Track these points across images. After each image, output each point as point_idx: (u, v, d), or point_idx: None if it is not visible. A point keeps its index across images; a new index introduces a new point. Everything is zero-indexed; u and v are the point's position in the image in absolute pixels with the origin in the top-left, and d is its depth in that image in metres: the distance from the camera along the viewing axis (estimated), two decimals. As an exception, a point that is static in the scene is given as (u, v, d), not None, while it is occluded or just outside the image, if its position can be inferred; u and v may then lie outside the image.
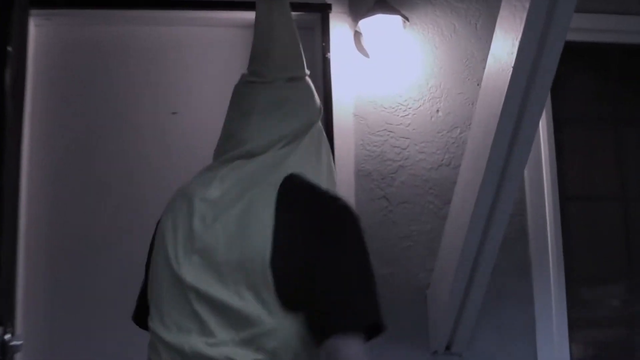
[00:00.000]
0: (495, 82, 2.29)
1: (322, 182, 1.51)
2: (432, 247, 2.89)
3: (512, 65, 2.12)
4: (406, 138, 2.94)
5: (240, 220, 1.37)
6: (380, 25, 2.86)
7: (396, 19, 2.86)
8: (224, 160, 1.53)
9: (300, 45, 1.61)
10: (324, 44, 2.92)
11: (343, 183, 2.84)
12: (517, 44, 2.08)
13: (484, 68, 2.90)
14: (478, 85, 3.02)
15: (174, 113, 2.89)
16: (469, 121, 3.00)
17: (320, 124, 1.62)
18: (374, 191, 2.89)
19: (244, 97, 1.57)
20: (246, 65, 1.64)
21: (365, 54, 2.95)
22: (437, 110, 2.98)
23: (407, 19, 2.90)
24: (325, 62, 2.91)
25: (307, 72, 1.63)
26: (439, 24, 3.04)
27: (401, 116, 2.95)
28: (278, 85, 1.54)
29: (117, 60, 2.92)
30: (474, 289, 2.62)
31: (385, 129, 2.93)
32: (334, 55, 2.91)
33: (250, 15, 1.82)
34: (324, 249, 1.35)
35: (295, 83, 1.57)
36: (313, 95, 1.61)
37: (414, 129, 2.95)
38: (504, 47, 2.20)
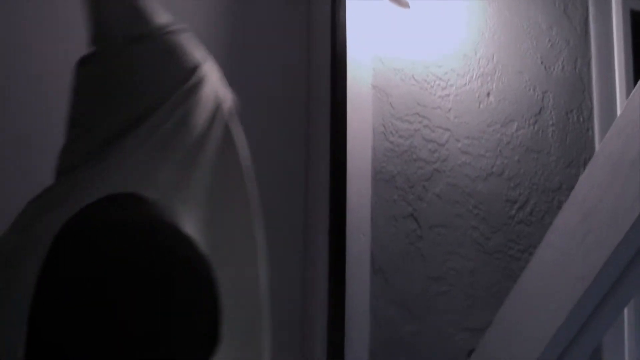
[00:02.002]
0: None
1: (184, 200, 0.99)
2: (474, 295, 1.94)
3: None
4: (445, 129, 1.98)
5: None
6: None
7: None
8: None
9: None
10: (336, -24, 1.91)
11: (355, 188, 1.85)
12: None
13: (549, 40, 2.02)
14: (542, 63, 2.11)
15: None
16: (528, 114, 2.07)
17: (201, 97, 1.05)
18: (397, 205, 1.91)
19: (77, 82, 1.07)
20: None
21: (403, 2, 1.96)
22: (488, 94, 2.04)
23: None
24: (337, 5, 1.90)
25: (169, 25, 1.08)
26: (492, -29, 2.11)
27: (439, 96, 1.98)
28: (111, 52, 1.06)
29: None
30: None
31: (416, 113, 1.95)
32: (352, -4, 1.91)
33: None
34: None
35: (138, 45, 1.06)
36: (172, 59, 1.06)
37: (456, 118, 1.99)
38: None
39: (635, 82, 1.52)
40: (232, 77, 1.91)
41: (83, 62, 1.09)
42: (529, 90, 2.09)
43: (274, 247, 1.86)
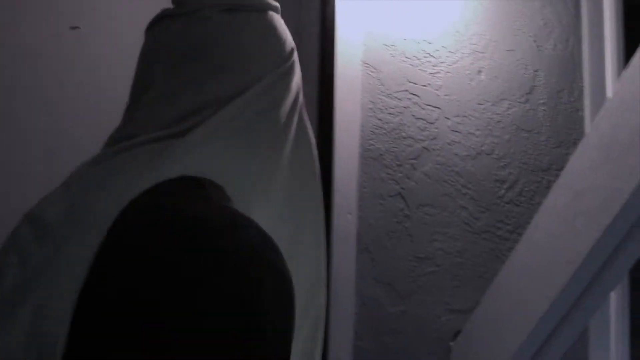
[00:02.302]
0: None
1: (261, 193, 0.90)
2: (461, 275, 1.92)
3: None
4: (435, 107, 1.94)
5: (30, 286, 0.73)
6: None
7: None
8: (107, 145, 0.91)
9: None
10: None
11: (342, 166, 1.82)
12: None
13: (542, 18, 2.00)
14: (534, 42, 2.07)
15: (73, 28, 1.77)
16: (519, 92, 2.04)
17: (291, 84, 0.97)
18: (385, 184, 1.88)
19: (157, 39, 0.98)
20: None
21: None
22: (479, 71, 2.00)
23: None
24: (327, -22, 1.86)
25: (270, 2, 1.01)
26: (486, -54, 2.06)
27: (430, 73, 1.95)
28: (206, 18, 0.95)
29: None
30: (546, 356, 1.67)
31: (406, 90, 1.92)
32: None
33: None
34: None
35: (237, 15, 0.96)
36: (273, 37, 0.98)
37: (446, 95, 1.96)
38: None
39: (626, 63, 1.49)
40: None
41: (163, 17, 1.00)
42: (521, 68, 2.05)
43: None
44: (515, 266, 1.71)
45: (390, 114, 1.89)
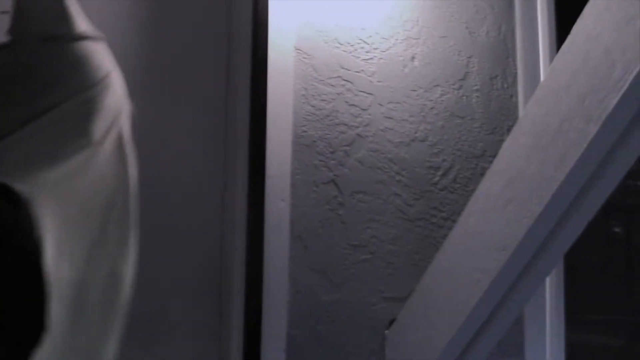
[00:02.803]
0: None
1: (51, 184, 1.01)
2: (395, 263, 1.91)
3: None
4: (368, 94, 1.92)
5: None
6: None
7: None
8: None
9: None
10: None
11: (275, 153, 1.79)
12: None
13: (474, 5, 2.00)
14: (467, 28, 2.07)
15: (3, 12, 1.70)
16: (453, 79, 2.04)
17: (99, 106, 1.10)
18: (318, 170, 1.85)
19: None
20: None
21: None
22: (413, 58, 1.99)
23: None
24: (259, -39, 1.82)
25: (86, 32, 1.13)
26: None
27: (363, 59, 1.92)
28: (27, 48, 1.11)
29: None
30: (481, 344, 1.68)
31: (339, 76, 1.89)
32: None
33: None
34: None
35: (52, 46, 1.11)
36: (82, 65, 1.11)
37: (379, 82, 1.94)
38: None
39: (559, 49, 1.49)
40: (151, 41, 1.83)
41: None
42: (454, 54, 2.05)
43: (193, 213, 1.80)
44: (449, 253, 1.71)
45: (323, 100, 1.87)
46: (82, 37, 1.13)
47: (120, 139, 1.12)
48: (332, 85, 1.88)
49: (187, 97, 1.80)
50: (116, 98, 1.13)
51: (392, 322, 1.88)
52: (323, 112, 1.86)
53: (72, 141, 1.06)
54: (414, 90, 1.98)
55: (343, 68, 1.90)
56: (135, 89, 1.19)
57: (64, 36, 1.13)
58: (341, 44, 1.90)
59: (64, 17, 1.14)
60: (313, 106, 1.85)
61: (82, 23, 1.14)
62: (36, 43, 1.12)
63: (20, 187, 0.96)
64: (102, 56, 1.14)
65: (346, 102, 1.89)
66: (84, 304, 1.01)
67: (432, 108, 2.00)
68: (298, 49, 1.85)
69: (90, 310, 1.02)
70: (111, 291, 1.06)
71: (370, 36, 1.94)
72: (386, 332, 1.88)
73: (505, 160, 1.60)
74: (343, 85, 1.89)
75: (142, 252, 1.11)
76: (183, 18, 1.82)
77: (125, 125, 1.14)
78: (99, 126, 1.10)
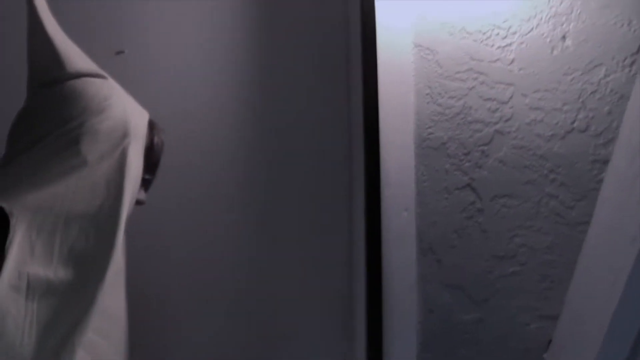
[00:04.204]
0: None
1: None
2: (552, 275, 1.62)
3: None
4: (508, 85, 1.69)
5: None
6: None
7: None
8: None
9: (57, 39, 1.23)
10: None
11: (393, 159, 1.64)
12: None
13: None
14: (638, -8, 1.74)
15: (119, 53, 1.81)
16: (621, 55, 1.71)
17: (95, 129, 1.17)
18: (450, 175, 1.66)
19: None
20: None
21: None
22: (564, 37, 1.71)
23: None
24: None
25: (81, 70, 1.22)
26: None
27: (498, 47, 1.70)
28: (31, 96, 1.24)
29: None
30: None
31: (469, 69, 1.69)
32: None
33: None
34: None
35: (47, 89, 1.21)
36: (74, 100, 1.19)
37: (521, 69, 1.69)
38: None
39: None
40: (267, 40, 1.80)
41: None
42: (621, 26, 1.72)
43: (322, 227, 1.72)
44: (586, 253, 1.41)
45: (452, 97, 1.68)
46: (75, 76, 1.22)
47: (123, 159, 1.17)
48: (461, 80, 1.68)
49: (309, 108, 1.76)
50: (116, 122, 1.19)
51: (550, 343, 1.58)
52: (452, 110, 1.67)
53: (61, 163, 1.13)
54: (568, 74, 1.69)
55: (474, 59, 1.69)
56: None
57: (59, 78, 1.22)
58: (470, 34, 1.70)
59: (56, 59, 1.23)
60: (440, 105, 1.67)
61: (77, 62, 1.24)
62: (38, 89, 1.22)
63: (4, 204, 1.05)
64: (97, 88, 1.22)
65: (480, 96, 1.68)
66: (51, 305, 1.04)
67: (593, 92, 1.69)
68: (418, 45, 1.69)
69: (54, 313, 1.04)
70: (81, 300, 1.07)
71: (506, 20, 1.71)
72: (544, 355, 1.59)
73: (629, 126, 1.29)
74: (475, 79, 1.69)
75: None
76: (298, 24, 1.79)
77: (132, 147, 1.19)
78: (94, 148, 1.15)
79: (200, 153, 1.73)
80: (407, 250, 1.63)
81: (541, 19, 1.71)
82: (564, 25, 1.71)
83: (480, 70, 1.69)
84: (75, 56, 1.25)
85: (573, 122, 1.67)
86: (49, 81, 1.23)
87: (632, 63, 1.71)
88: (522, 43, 1.70)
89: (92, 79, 1.23)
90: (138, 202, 1.25)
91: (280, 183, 1.74)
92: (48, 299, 1.02)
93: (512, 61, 1.69)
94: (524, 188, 1.65)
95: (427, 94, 1.68)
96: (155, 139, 1.31)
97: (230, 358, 1.70)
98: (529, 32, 1.71)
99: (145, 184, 1.30)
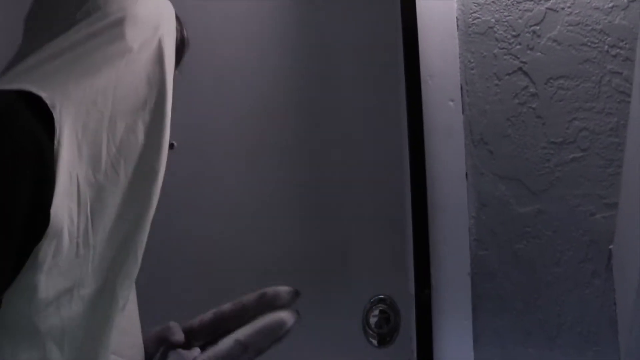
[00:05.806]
0: None
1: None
2: (619, 159, 1.48)
3: None
4: (559, -44, 1.54)
5: None
6: None
7: None
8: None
9: None
10: None
11: (435, 48, 1.53)
12: None
13: None
14: None
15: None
16: None
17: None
18: (499, 60, 1.53)
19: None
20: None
21: None
22: None
23: None
24: None
25: None
26: None
27: None
28: None
29: None
30: None
31: (516, -56, 1.55)
32: None
33: None
34: None
35: None
36: None
37: (573, -62, 1.54)
38: None
39: None
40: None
41: None
42: None
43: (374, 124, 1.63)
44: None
45: (496, -27, 1.55)
46: None
47: (160, 51, 1.08)
48: (507, -43, 1.55)
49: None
50: (150, 9, 1.10)
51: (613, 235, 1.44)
52: (498, -13, 1.54)
53: (105, 48, 1.03)
54: (628, -63, 1.52)
55: None
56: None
57: None
58: None
59: None
60: (483, -17, 1.55)
61: None
62: None
63: (44, 94, 0.93)
64: None
65: (529, -28, 1.54)
66: (105, 210, 0.95)
67: (659, -47, 1.51)
68: None
69: (108, 219, 0.95)
70: (137, 199, 0.99)
71: None
72: (611, 247, 1.45)
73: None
74: (523, -46, 1.55)
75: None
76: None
77: (166, 38, 1.10)
78: (136, 34, 1.06)
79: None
80: (454, 142, 1.52)
81: None
82: None
83: (527, -57, 1.55)
84: None
85: (636, -9, 1.51)
86: None
87: None
88: None
89: None
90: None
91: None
92: (101, 204, 0.94)
93: None
94: (583, 67, 1.50)
95: (469, -28, 1.55)
96: (185, 33, 1.22)
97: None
98: None
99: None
